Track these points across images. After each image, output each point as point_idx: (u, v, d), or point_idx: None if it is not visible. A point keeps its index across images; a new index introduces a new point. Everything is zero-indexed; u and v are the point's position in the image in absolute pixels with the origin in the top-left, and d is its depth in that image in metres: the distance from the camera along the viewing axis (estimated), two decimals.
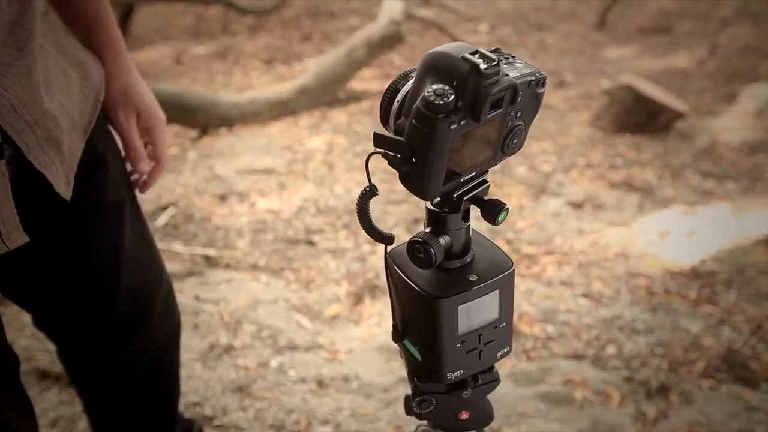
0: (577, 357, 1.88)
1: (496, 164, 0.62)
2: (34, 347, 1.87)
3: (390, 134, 0.57)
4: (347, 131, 3.63)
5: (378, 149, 0.56)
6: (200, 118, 3.66)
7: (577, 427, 1.64)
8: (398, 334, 0.68)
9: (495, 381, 0.72)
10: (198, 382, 1.79)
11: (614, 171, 3.13)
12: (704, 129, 3.60)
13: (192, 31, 6.15)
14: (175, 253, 2.41)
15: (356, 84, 4.35)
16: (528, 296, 2.16)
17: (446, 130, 0.52)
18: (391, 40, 4.35)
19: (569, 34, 5.68)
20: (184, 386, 1.76)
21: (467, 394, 0.70)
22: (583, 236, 2.55)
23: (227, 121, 3.73)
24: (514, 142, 0.60)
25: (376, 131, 0.56)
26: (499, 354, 0.69)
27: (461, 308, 0.63)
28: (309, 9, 6.59)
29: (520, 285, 2.21)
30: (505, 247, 2.19)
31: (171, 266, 2.31)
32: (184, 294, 2.17)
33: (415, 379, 0.70)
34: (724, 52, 4.86)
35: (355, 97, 4.18)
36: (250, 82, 4.68)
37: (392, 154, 0.56)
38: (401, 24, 4.39)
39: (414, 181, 0.56)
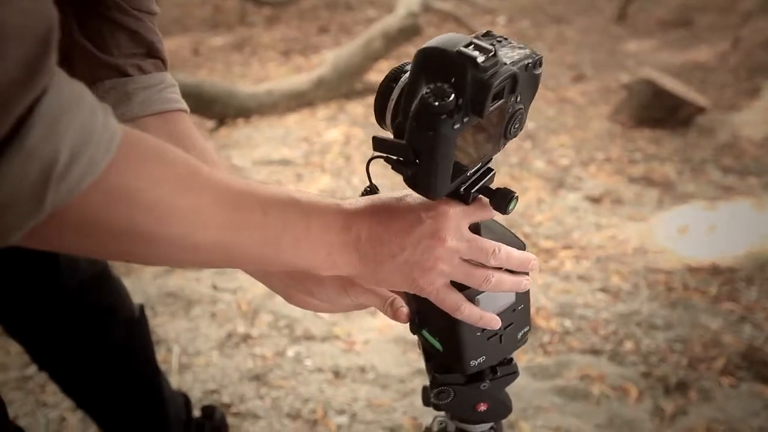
0: (595, 352, 1.87)
1: (499, 151, 0.60)
2: None
3: (390, 137, 0.55)
4: (364, 123, 3.62)
5: (379, 153, 0.54)
6: (218, 109, 3.68)
7: (594, 422, 1.63)
8: (416, 325, 0.68)
9: (514, 373, 0.71)
10: (215, 370, 1.80)
11: (633, 165, 3.10)
12: (726, 124, 3.55)
13: (210, 22, 6.17)
14: None
15: (373, 76, 4.34)
16: (545, 290, 2.15)
17: (449, 131, 0.49)
18: (408, 32, 4.33)
19: (588, 28, 5.62)
20: (202, 374, 1.78)
21: (485, 386, 0.70)
22: (601, 231, 2.53)
23: (245, 112, 3.74)
24: (516, 126, 0.58)
25: (375, 135, 0.54)
26: (519, 334, 0.68)
27: (480, 297, 0.62)
28: (326, 0, 6.58)
29: (538, 279, 2.20)
30: None
31: None
32: (202, 283, 2.18)
33: (433, 370, 0.69)
34: (746, 46, 4.79)
35: (373, 89, 4.15)
36: (267, 73, 4.69)
37: (394, 157, 0.53)
38: (419, 16, 4.37)
39: (421, 182, 0.54)
